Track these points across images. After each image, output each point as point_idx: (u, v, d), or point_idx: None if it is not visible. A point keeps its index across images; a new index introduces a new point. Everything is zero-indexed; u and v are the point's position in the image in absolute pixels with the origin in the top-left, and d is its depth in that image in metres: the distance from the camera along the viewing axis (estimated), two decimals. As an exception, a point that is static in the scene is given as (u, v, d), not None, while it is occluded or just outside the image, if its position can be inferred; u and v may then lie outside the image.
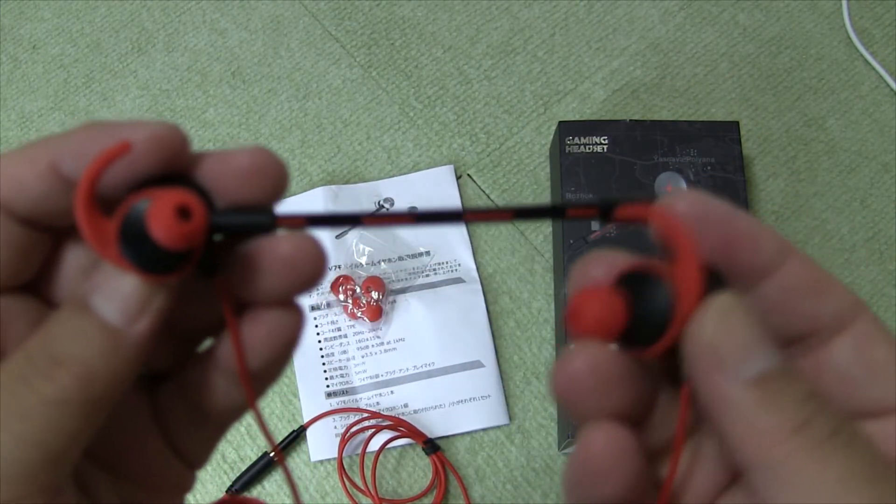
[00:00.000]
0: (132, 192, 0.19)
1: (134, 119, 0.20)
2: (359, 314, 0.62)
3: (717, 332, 0.18)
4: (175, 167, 0.20)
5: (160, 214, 0.18)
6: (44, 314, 0.20)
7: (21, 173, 0.19)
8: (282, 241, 0.20)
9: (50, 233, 0.21)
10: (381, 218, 0.20)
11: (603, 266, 0.20)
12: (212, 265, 0.20)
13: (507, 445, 0.61)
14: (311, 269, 0.20)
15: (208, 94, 0.71)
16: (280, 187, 0.20)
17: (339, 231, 0.65)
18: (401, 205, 0.66)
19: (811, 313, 0.20)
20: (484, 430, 0.61)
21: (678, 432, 0.20)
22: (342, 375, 0.62)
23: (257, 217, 0.19)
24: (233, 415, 0.23)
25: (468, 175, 0.67)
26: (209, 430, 0.24)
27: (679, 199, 0.19)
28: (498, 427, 0.61)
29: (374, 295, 0.62)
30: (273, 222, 0.20)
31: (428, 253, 0.65)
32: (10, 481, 0.17)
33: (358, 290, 0.62)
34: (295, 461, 0.60)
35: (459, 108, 0.70)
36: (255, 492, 0.60)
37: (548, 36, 0.72)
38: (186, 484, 0.24)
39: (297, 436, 0.60)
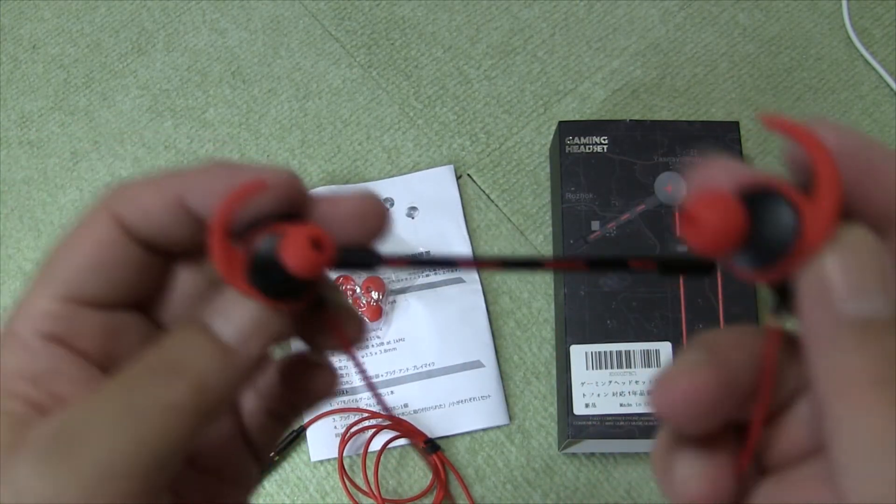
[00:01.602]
0: (261, 227, 0.21)
1: (258, 164, 0.22)
2: (359, 314, 0.62)
3: (837, 263, 0.17)
4: (293, 208, 0.22)
5: (296, 244, 0.20)
6: (153, 333, 0.22)
7: (149, 201, 0.21)
8: (349, 198, 0.22)
9: (165, 258, 0.23)
10: (473, 263, 0.23)
11: (727, 173, 0.19)
12: (322, 300, 0.22)
13: (507, 445, 0.61)
14: (378, 221, 0.22)
15: (208, 94, 0.71)
16: (382, 228, 0.22)
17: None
18: (401, 205, 0.66)
19: None
20: (484, 430, 0.61)
21: (765, 377, 0.19)
22: (342, 375, 0.62)
23: (367, 257, 0.22)
24: (300, 412, 0.26)
25: (468, 175, 0.67)
26: (277, 426, 0.26)
27: (831, 130, 0.18)
28: (498, 427, 0.61)
29: (374, 295, 0.62)
30: (378, 260, 0.22)
31: (428, 253, 0.65)
32: (122, 478, 0.18)
33: (358, 290, 0.63)
34: (295, 461, 0.60)
35: (459, 108, 0.70)
36: (255, 492, 0.60)
37: (548, 36, 0.72)
38: (255, 479, 0.26)
39: (297, 436, 0.60)
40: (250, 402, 0.25)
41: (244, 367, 0.21)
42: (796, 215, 0.17)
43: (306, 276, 0.20)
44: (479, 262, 0.23)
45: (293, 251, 0.20)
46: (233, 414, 0.25)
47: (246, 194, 0.20)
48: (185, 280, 0.23)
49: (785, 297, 0.18)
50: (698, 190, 0.19)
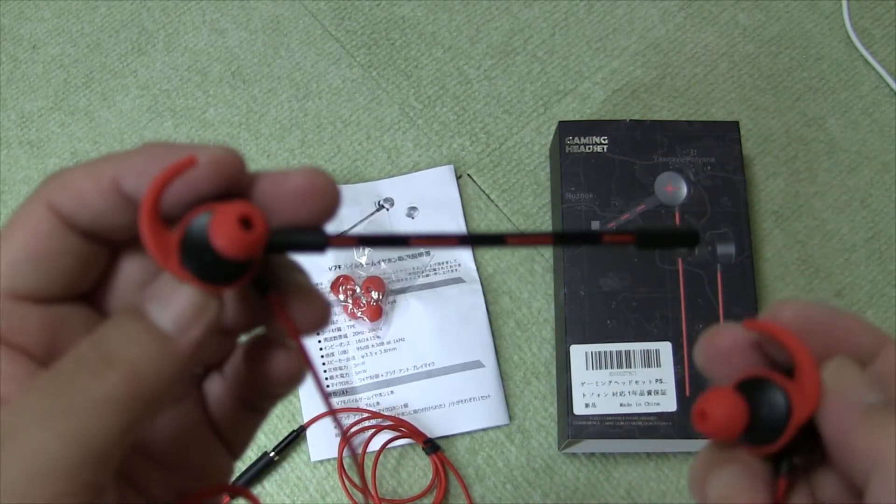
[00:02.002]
0: (194, 207, 0.20)
1: (194, 143, 0.21)
2: (359, 314, 0.62)
3: (837, 378, 0.21)
4: (232, 188, 0.20)
5: (223, 224, 0.19)
6: (98, 323, 0.21)
7: (84, 188, 0.20)
8: (293, 175, 0.21)
9: (108, 246, 0.22)
10: (428, 239, 0.21)
11: (731, 337, 0.24)
12: (264, 282, 0.21)
13: (507, 445, 0.61)
14: (325, 200, 0.21)
15: (208, 94, 0.71)
16: (332, 207, 0.21)
17: (339, 231, 0.65)
18: (401, 205, 0.66)
19: None
20: (484, 430, 0.61)
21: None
22: (342, 375, 0.62)
23: (310, 237, 0.20)
24: (272, 401, 0.25)
25: (468, 175, 0.67)
26: (252, 417, 0.25)
27: (788, 308, 0.22)
28: (498, 427, 0.61)
29: (374, 295, 0.62)
30: (325, 242, 0.20)
31: (428, 253, 0.65)
32: (53, 478, 0.18)
33: (358, 290, 0.63)
34: (295, 461, 0.60)
35: (459, 108, 0.70)
36: (255, 492, 0.60)
37: (548, 36, 0.72)
38: (228, 472, 0.25)
39: (297, 436, 0.60)
40: (216, 389, 0.24)
41: (182, 356, 0.20)
42: (786, 399, 0.21)
43: (237, 257, 0.19)
44: (433, 239, 0.21)
45: (221, 230, 0.19)
46: (196, 404, 0.24)
47: (174, 173, 0.19)
48: (131, 268, 0.22)
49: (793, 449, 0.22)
50: (707, 392, 0.23)
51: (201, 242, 0.19)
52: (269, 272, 0.21)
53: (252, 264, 0.20)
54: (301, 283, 0.22)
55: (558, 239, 0.22)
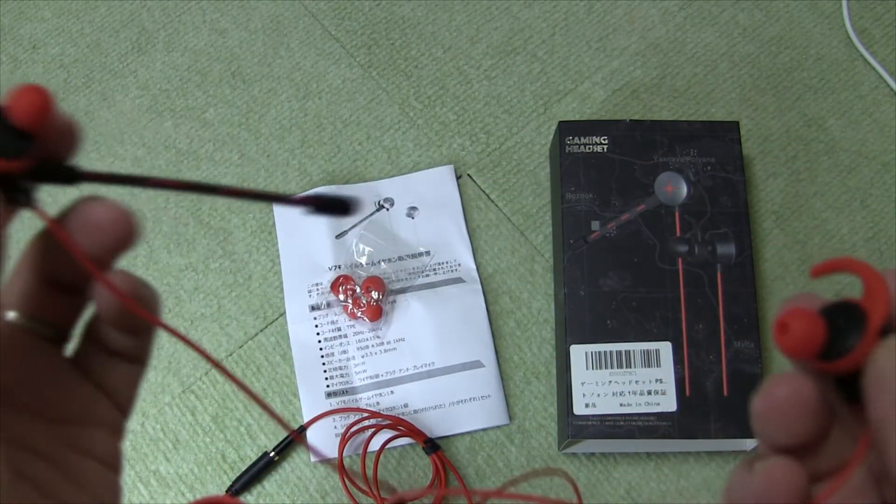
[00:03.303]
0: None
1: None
2: (359, 314, 0.62)
3: (887, 361, 0.21)
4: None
5: (19, 92, 0.22)
6: None
7: None
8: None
9: None
10: (162, 181, 0.25)
11: (810, 300, 0.24)
12: (22, 191, 0.24)
13: (507, 445, 0.61)
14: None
15: (208, 94, 0.71)
16: (74, 137, 0.23)
17: (339, 231, 0.65)
18: (401, 204, 0.66)
19: None
20: (484, 430, 0.61)
21: (855, 457, 0.22)
22: (342, 375, 0.62)
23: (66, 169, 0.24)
24: (135, 348, 0.26)
25: (468, 175, 0.67)
26: (125, 367, 0.26)
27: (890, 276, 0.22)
28: (498, 427, 0.61)
29: (374, 295, 0.62)
30: (74, 175, 0.24)
31: (428, 253, 0.65)
32: None
33: (358, 290, 0.63)
34: (295, 461, 0.60)
35: (459, 108, 0.70)
36: (255, 492, 0.60)
37: (548, 36, 0.72)
38: (120, 427, 0.27)
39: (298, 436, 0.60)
40: (83, 346, 0.26)
41: None
42: (863, 317, 0.22)
43: (31, 117, 0.22)
44: (164, 182, 0.26)
45: (17, 95, 0.22)
46: (63, 359, 0.25)
47: None
48: None
49: (848, 388, 0.23)
50: (790, 305, 0.23)
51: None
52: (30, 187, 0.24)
53: (33, 144, 0.22)
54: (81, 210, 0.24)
55: (257, 196, 0.25)
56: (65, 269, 0.25)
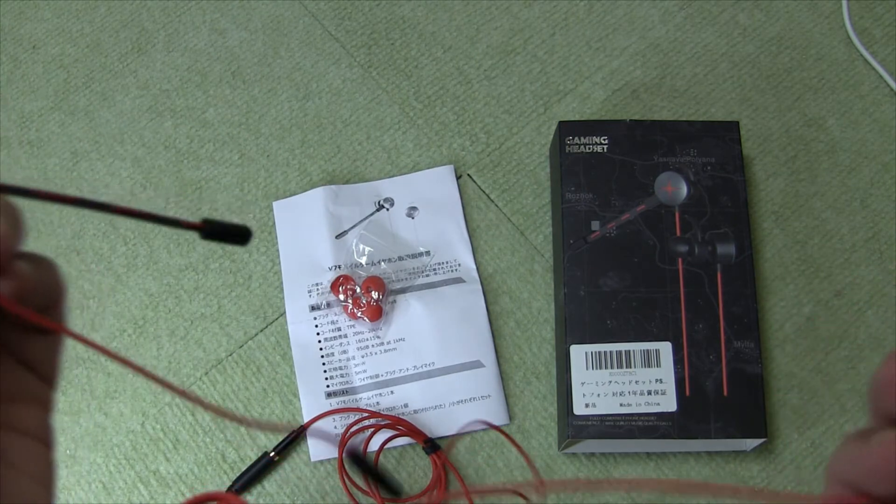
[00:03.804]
0: None
1: None
2: (359, 314, 0.62)
3: None
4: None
5: None
6: None
7: None
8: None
9: None
10: (48, 195, 0.23)
11: None
12: None
13: (508, 445, 0.61)
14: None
15: (208, 94, 0.71)
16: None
17: (339, 231, 0.65)
18: (401, 205, 0.66)
19: None
20: (484, 430, 0.61)
21: None
22: (342, 375, 0.62)
23: None
24: (49, 319, 0.26)
25: (468, 175, 0.67)
26: (41, 338, 0.26)
27: None
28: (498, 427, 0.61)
29: (374, 295, 0.62)
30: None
31: (428, 253, 0.65)
32: None
33: (358, 290, 0.63)
34: (295, 461, 0.60)
35: (459, 108, 0.70)
36: (255, 492, 0.60)
37: (548, 36, 0.72)
38: (46, 399, 0.26)
39: (297, 436, 0.60)
40: None
41: None
42: None
43: None
44: (42, 194, 0.23)
45: None
46: None
47: None
48: None
49: None
50: None
51: None
52: None
53: None
54: None
55: (144, 216, 0.25)
56: None
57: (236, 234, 0.26)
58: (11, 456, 0.24)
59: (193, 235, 0.66)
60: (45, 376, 0.26)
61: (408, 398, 0.61)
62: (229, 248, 0.66)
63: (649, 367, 0.57)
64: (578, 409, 0.57)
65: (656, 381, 0.57)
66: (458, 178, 0.67)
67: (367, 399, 0.61)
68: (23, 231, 0.23)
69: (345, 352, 0.62)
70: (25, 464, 0.24)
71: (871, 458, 0.21)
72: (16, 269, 0.23)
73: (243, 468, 0.60)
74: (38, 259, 0.24)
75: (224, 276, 0.65)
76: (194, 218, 0.25)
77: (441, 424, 0.60)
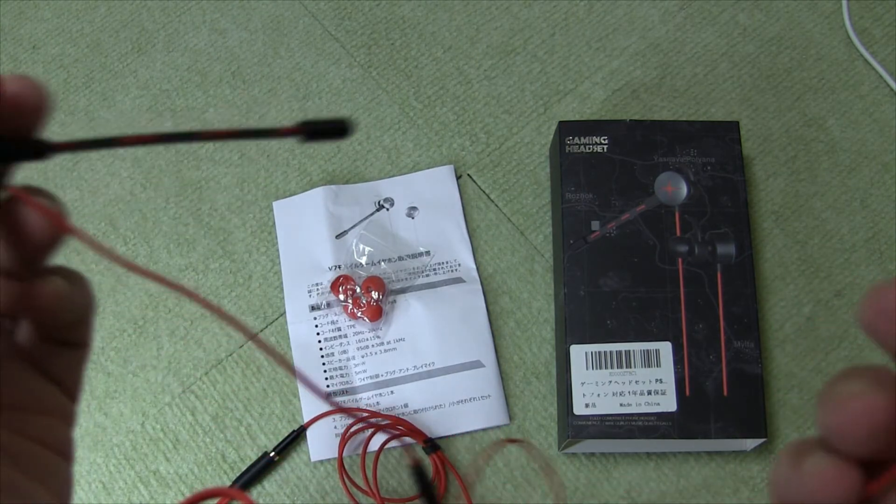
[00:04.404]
0: None
1: None
2: (359, 314, 0.62)
3: None
4: None
5: None
6: None
7: None
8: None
9: None
10: (137, 138, 0.23)
11: None
12: None
13: (507, 445, 0.61)
14: (29, 93, 0.22)
15: (208, 94, 0.71)
16: (41, 107, 0.22)
17: (340, 231, 0.65)
18: (401, 205, 0.66)
19: None
20: (484, 429, 0.61)
21: None
22: (342, 375, 0.62)
23: (28, 142, 0.22)
24: (78, 331, 0.26)
25: (468, 175, 0.67)
26: (70, 352, 0.26)
27: None
28: (498, 427, 0.61)
29: (374, 295, 0.62)
30: (45, 146, 0.22)
31: (428, 253, 0.65)
32: None
33: (358, 290, 0.63)
34: (295, 461, 0.60)
35: (459, 108, 0.70)
36: (255, 492, 0.60)
37: (548, 36, 0.72)
38: (67, 413, 0.26)
39: (297, 436, 0.60)
40: (23, 331, 0.26)
41: None
42: None
43: None
44: (143, 138, 0.23)
45: None
46: (8, 347, 0.25)
47: None
48: None
49: None
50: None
51: None
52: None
53: None
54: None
55: (240, 134, 0.24)
56: (14, 253, 0.24)
57: (336, 130, 0.25)
58: (32, 467, 0.24)
59: (194, 236, 0.66)
60: (69, 391, 0.27)
61: (408, 398, 0.61)
62: (229, 248, 0.66)
63: (649, 367, 0.57)
64: (578, 409, 0.57)
65: (656, 381, 0.57)
66: (458, 178, 0.67)
67: (367, 399, 0.61)
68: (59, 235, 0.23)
69: (345, 352, 0.62)
70: (45, 476, 0.25)
71: (803, 485, 0.20)
72: (52, 283, 0.23)
73: (243, 468, 0.60)
74: (71, 274, 0.24)
75: (224, 276, 0.65)
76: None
77: (441, 424, 0.60)
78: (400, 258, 0.64)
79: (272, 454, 0.59)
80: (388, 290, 0.63)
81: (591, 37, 0.72)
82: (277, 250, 0.66)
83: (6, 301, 0.25)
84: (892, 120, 0.68)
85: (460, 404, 0.61)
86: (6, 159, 0.22)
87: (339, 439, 0.59)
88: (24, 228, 0.23)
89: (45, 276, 0.24)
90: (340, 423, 0.60)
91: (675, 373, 0.57)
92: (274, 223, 0.66)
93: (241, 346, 0.63)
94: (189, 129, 0.24)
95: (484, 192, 0.67)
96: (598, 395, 0.57)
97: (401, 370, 0.62)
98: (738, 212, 0.60)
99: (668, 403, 0.56)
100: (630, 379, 0.57)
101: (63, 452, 0.26)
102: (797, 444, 0.21)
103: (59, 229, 0.23)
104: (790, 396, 0.61)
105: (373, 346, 0.62)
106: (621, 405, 0.56)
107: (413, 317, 0.63)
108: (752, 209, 0.66)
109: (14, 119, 0.22)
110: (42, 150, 0.22)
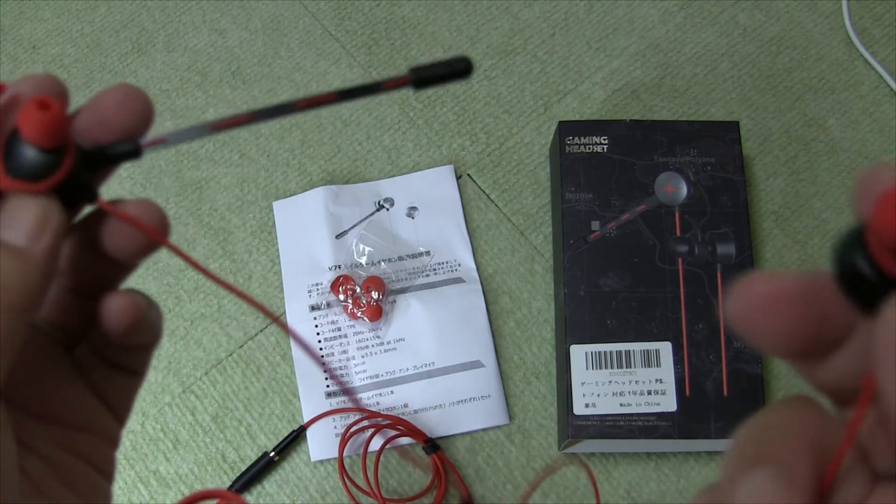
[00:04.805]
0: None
1: (27, 75, 0.23)
2: (359, 314, 0.62)
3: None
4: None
5: (24, 115, 0.21)
6: None
7: None
8: (105, 93, 0.23)
9: None
10: (229, 121, 0.23)
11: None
12: (89, 186, 0.23)
13: (507, 445, 0.61)
14: (136, 105, 0.23)
15: (208, 94, 0.71)
16: (144, 118, 0.23)
17: (340, 231, 0.65)
18: (401, 205, 0.66)
19: None
20: (484, 430, 0.61)
21: (846, 438, 0.19)
22: (342, 375, 0.62)
23: (121, 144, 0.23)
24: (139, 359, 0.27)
25: (468, 175, 0.67)
26: (126, 378, 0.27)
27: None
28: (498, 427, 0.61)
29: (374, 295, 0.62)
30: (136, 146, 0.23)
31: (428, 253, 0.65)
32: None
33: (358, 290, 0.63)
34: (295, 461, 0.60)
35: (459, 108, 0.70)
36: (255, 492, 0.60)
37: (548, 36, 0.72)
38: (114, 436, 0.27)
39: (297, 436, 0.60)
40: (85, 353, 0.26)
41: (39, 264, 0.22)
42: None
43: (44, 141, 0.21)
44: (230, 122, 0.23)
45: (24, 119, 0.21)
46: (69, 366, 0.26)
47: None
48: None
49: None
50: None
51: (16, 145, 0.21)
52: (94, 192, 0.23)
53: (65, 153, 0.22)
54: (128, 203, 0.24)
55: (342, 95, 0.23)
56: (89, 273, 0.25)
57: (453, 72, 0.22)
58: (77, 483, 0.25)
59: (194, 236, 0.66)
60: (118, 414, 0.27)
61: (408, 398, 0.61)
62: (229, 248, 0.66)
63: (649, 367, 0.57)
64: (578, 409, 0.57)
65: (656, 381, 0.57)
66: (458, 178, 0.67)
67: (367, 399, 0.61)
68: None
69: (345, 352, 0.62)
70: (88, 493, 0.25)
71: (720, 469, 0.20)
72: (131, 300, 0.24)
73: (243, 468, 0.60)
74: (146, 297, 0.25)
75: (224, 276, 0.65)
76: None
77: (441, 424, 0.60)
78: (400, 258, 0.64)
79: (272, 454, 0.59)
80: (388, 290, 0.63)
81: (591, 37, 0.72)
82: (277, 250, 0.66)
83: (77, 318, 0.26)
84: (892, 120, 0.68)
85: (460, 404, 0.61)
86: (107, 163, 0.23)
87: (338, 439, 0.59)
88: (111, 242, 0.23)
89: (121, 294, 0.24)
90: (340, 423, 0.60)
91: (675, 373, 0.57)
92: (274, 223, 0.66)
93: (240, 346, 0.63)
94: (283, 101, 0.24)
95: (484, 192, 0.67)
96: (598, 395, 0.57)
97: (401, 370, 0.62)
98: (738, 212, 0.60)
99: (668, 403, 0.56)
100: (630, 379, 0.57)
101: (106, 472, 0.27)
102: (710, 488, 0.21)
103: (154, 243, 0.24)
104: (790, 396, 0.61)
105: (373, 346, 0.62)
106: (621, 405, 0.56)
107: (413, 317, 0.63)
108: (752, 209, 0.66)
109: (118, 127, 0.23)
110: (138, 150, 0.23)
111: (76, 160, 0.22)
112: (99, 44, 0.73)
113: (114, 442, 0.27)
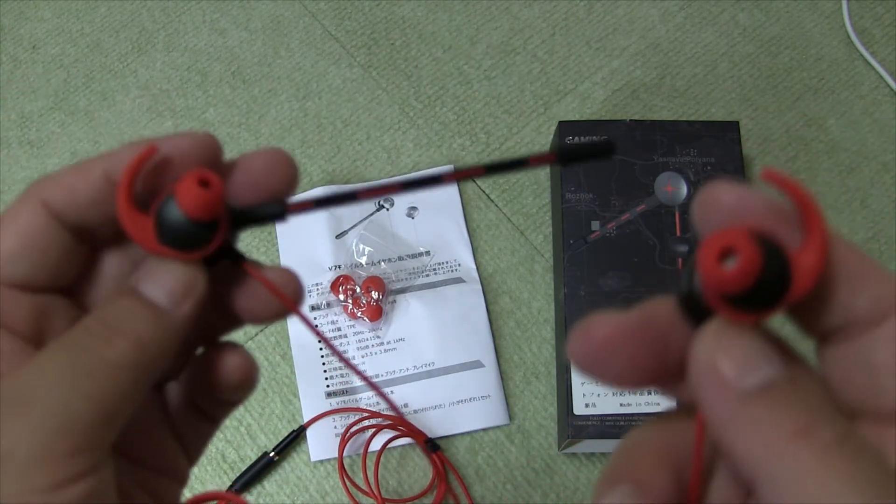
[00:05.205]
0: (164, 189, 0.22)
1: (182, 132, 0.23)
2: (359, 314, 0.62)
3: (714, 350, 0.18)
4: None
5: (184, 189, 0.21)
6: (80, 316, 0.22)
7: (74, 182, 0.22)
8: (256, 156, 0.23)
9: (91, 244, 0.24)
10: (375, 190, 0.23)
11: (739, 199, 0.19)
12: (236, 251, 0.23)
13: (507, 445, 0.61)
14: (284, 169, 0.23)
15: (208, 94, 0.71)
16: (291, 182, 0.23)
17: (339, 231, 0.65)
18: (401, 205, 0.66)
19: (846, 303, 0.19)
20: (484, 430, 0.61)
21: (694, 461, 0.20)
22: (342, 375, 0.62)
23: (270, 206, 0.23)
24: (225, 409, 0.27)
25: (468, 175, 0.67)
26: (205, 425, 0.27)
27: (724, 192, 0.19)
28: (498, 427, 0.61)
29: (374, 295, 0.62)
30: (284, 209, 0.23)
31: (428, 253, 0.65)
32: (75, 432, 0.19)
33: (358, 290, 0.63)
34: (295, 461, 0.60)
35: (459, 108, 0.70)
36: (255, 492, 0.60)
37: (548, 36, 0.72)
38: (185, 476, 0.27)
39: (297, 436, 0.60)
40: (174, 396, 0.26)
41: (177, 327, 0.22)
42: (788, 267, 0.19)
43: (202, 216, 0.21)
44: (377, 190, 0.23)
45: (183, 195, 0.21)
46: (158, 407, 0.26)
47: (143, 157, 0.21)
48: (111, 264, 0.24)
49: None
50: (728, 230, 0.18)
51: (170, 213, 0.21)
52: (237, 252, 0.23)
53: (219, 226, 0.22)
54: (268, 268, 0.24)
55: (489, 169, 0.23)
56: (203, 322, 0.25)
57: (596, 153, 0.23)
58: None
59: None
60: (191, 457, 0.27)
61: (408, 398, 0.61)
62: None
63: (649, 367, 0.57)
64: (578, 409, 0.57)
65: (656, 381, 0.57)
66: (458, 178, 0.67)
67: (367, 399, 0.61)
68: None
69: (345, 352, 0.62)
70: None
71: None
72: (242, 359, 0.24)
73: (243, 468, 0.60)
74: (249, 355, 0.25)
75: (224, 276, 0.65)
76: None
77: (441, 424, 0.60)
78: (400, 258, 0.64)
79: (272, 454, 0.59)
80: (388, 290, 0.63)
81: (591, 37, 0.72)
82: (277, 250, 0.66)
83: (174, 360, 0.26)
84: (892, 120, 0.68)
85: (460, 404, 0.61)
86: (255, 219, 0.23)
87: (338, 439, 0.59)
88: (244, 304, 0.23)
89: (240, 352, 0.24)
90: (340, 423, 0.60)
91: (675, 373, 0.57)
92: (274, 223, 0.66)
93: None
94: (431, 173, 0.23)
95: (484, 192, 0.67)
96: (598, 395, 0.57)
97: (401, 370, 0.62)
98: (738, 212, 0.60)
99: (669, 403, 0.56)
100: (630, 379, 0.57)
101: None
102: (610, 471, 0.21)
103: (286, 312, 0.23)
104: (790, 396, 0.61)
105: (373, 346, 0.62)
106: (621, 405, 0.56)
107: (413, 317, 0.63)
108: (752, 209, 0.66)
109: (268, 191, 0.23)
110: (284, 213, 0.23)
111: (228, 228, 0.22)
112: (99, 44, 0.73)
113: (183, 483, 0.27)
